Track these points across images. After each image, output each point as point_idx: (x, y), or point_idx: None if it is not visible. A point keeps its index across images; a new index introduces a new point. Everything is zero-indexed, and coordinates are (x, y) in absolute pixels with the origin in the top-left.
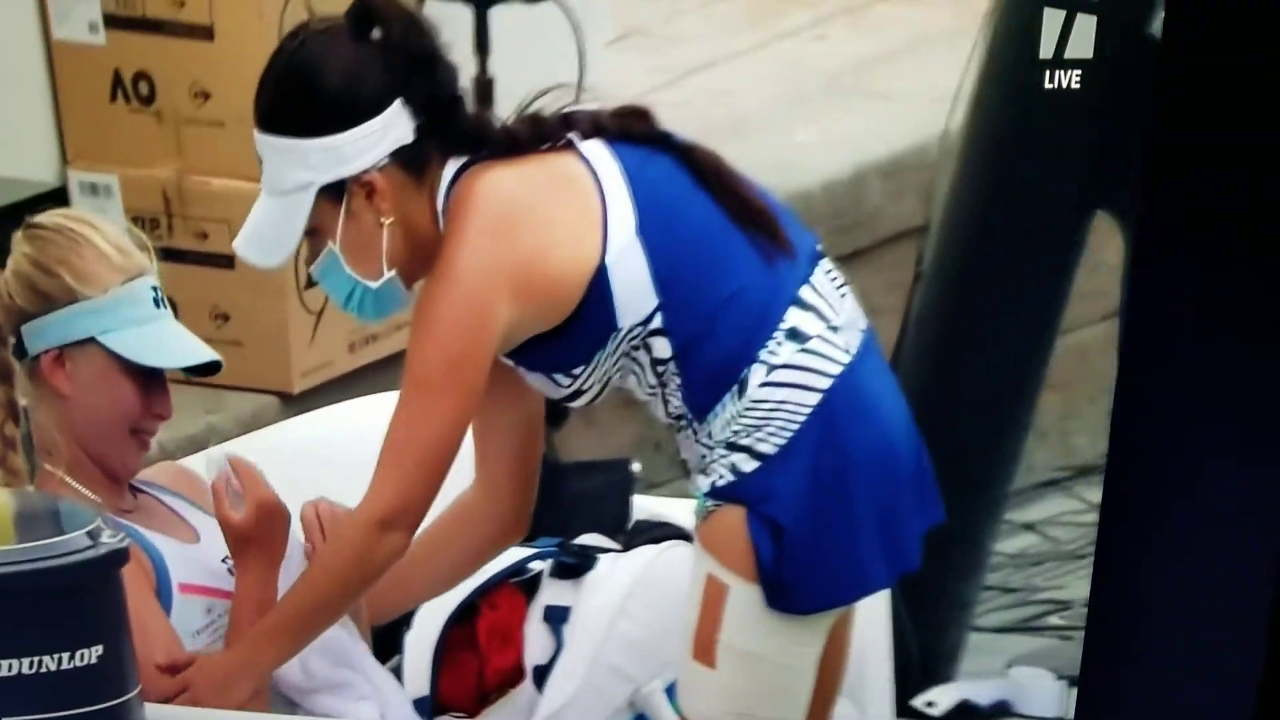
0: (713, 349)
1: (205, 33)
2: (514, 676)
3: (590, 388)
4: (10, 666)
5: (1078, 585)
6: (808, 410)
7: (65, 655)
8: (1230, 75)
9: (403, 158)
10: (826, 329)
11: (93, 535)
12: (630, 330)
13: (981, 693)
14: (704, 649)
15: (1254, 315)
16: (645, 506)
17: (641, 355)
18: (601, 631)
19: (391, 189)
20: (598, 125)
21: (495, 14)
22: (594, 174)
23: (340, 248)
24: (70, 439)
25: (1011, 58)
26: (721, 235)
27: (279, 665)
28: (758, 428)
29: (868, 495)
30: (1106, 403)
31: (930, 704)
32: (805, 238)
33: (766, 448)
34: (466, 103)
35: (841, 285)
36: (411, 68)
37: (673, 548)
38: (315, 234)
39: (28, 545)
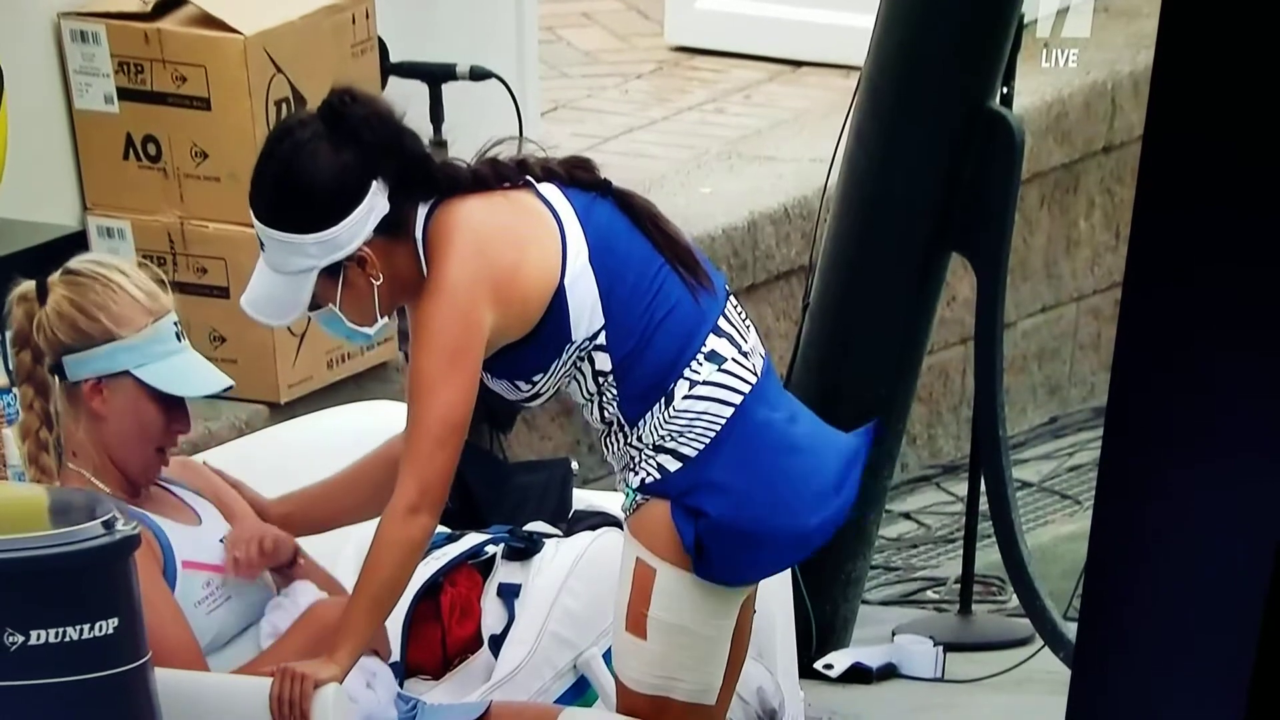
0: (646, 365)
1: (204, 103)
2: (473, 644)
3: (545, 392)
4: (38, 636)
5: (949, 565)
6: (724, 419)
7: (85, 626)
8: (1221, 87)
9: (384, 224)
10: (739, 353)
11: (109, 524)
12: (581, 343)
13: (871, 656)
14: (636, 623)
15: (1242, 314)
16: (583, 498)
17: (585, 366)
18: (547, 605)
19: (380, 254)
20: (548, 170)
21: (448, 89)
22: (551, 209)
23: (340, 308)
24: (100, 450)
25: (875, 126)
26: (655, 269)
27: (359, 654)
28: (681, 433)
29: (774, 489)
30: (965, 412)
31: (828, 666)
32: (718, 277)
33: (689, 450)
34: (434, 158)
35: (746, 318)
36: (381, 150)
37: (606, 533)
38: (314, 297)
39: (54, 532)
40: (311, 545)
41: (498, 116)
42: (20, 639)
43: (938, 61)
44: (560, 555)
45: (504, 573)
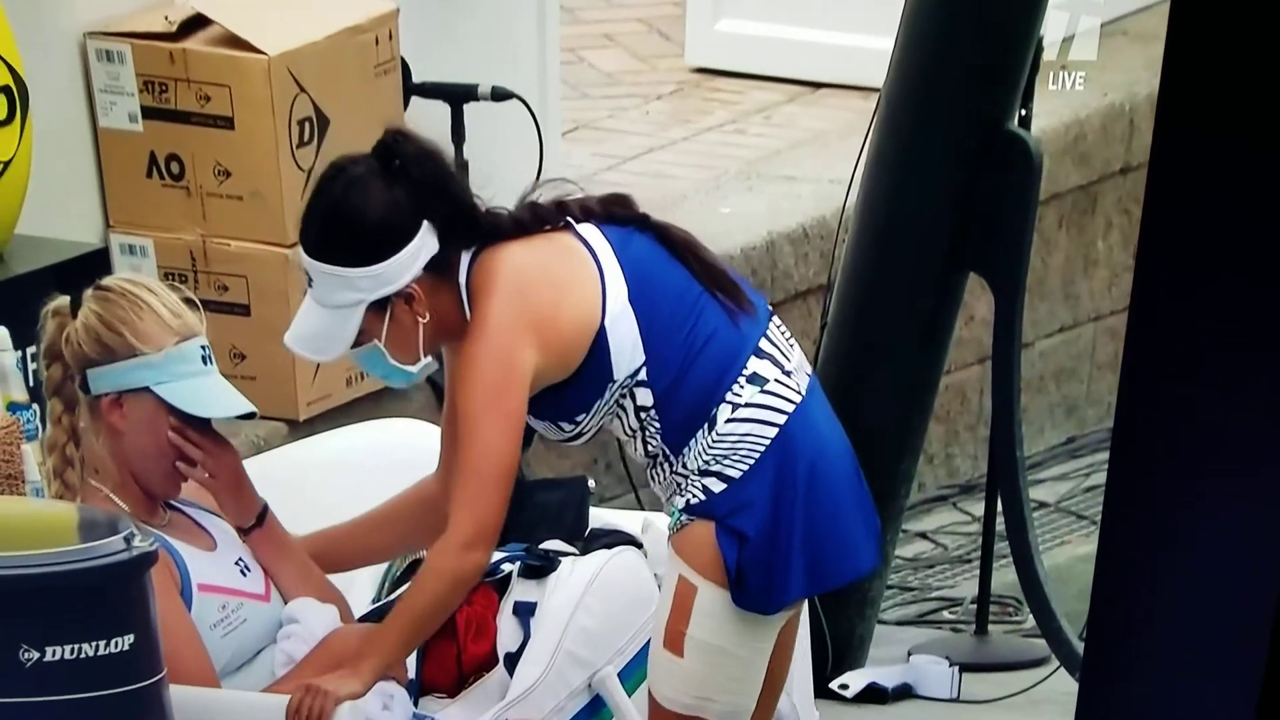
0: (686, 394)
1: (227, 122)
2: (488, 662)
3: (588, 431)
4: (54, 652)
5: (965, 585)
6: (768, 440)
7: (102, 643)
8: (1228, 93)
9: (431, 265)
10: (781, 374)
11: (127, 540)
12: (622, 381)
13: (887, 677)
14: (673, 640)
15: (1250, 330)
16: (599, 517)
17: (627, 402)
18: (562, 624)
19: (426, 293)
20: (587, 210)
21: (469, 109)
22: (590, 250)
23: (384, 345)
24: (121, 465)
25: (894, 146)
26: (693, 298)
27: (383, 673)
28: (726, 456)
29: (817, 509)
30: (982, 431)
31: (844, 686)
32: (759, 299)
33: (733, 472)
34: (479, 205)
35: (790, 337)
36: (432, 192)
37: (622, 552)
38: (358, 333)
39: (76, 548)
40: None
41: (519, 137)
42: (36, 655)
43: (956, 83)
44: (576, 574)
45: (520, 591)
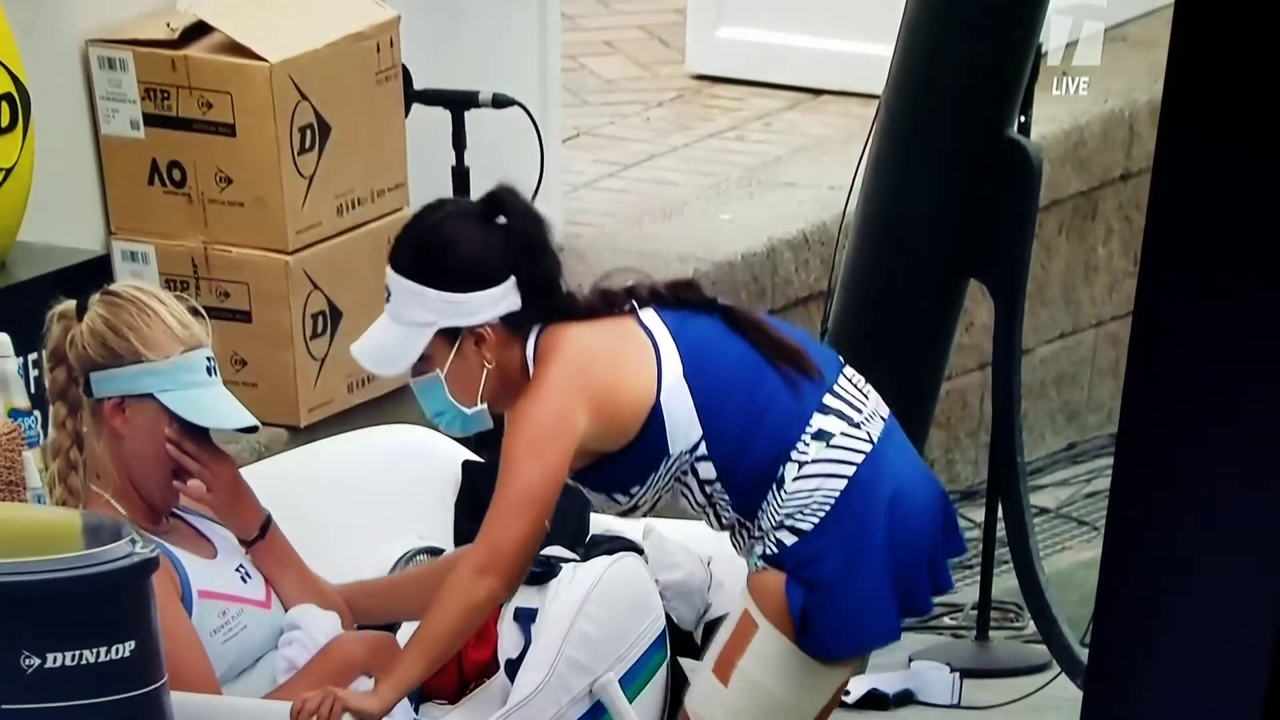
0: (749, 463)
1: (229, 129)
2: (489, 668)
3: (644, 504)
4: (55, 659)
5: (966, 590)
6: (837, 493)
7: (103, 649)
8: (1231, 98)
9: (508, 319)
10: (849, 426)
11: (129, 546)
12: (679, 456)
13: (888, 683)
14: (723, 667)
15: (1256, 329)
16: (600, 522)
17: (690, 479)
18: (563, 630)
19: (496, 342)
20: (655, 295)
21: (470, 116)
22: (648, 332)
23: (445, 378)
24: (121, 472)
25: (894, 153)
26: (753, 370)
27: (404, 695)
28: (797, 511)
29: (887, 559)
30: (983, 437)
31: (845, 692)
32: (827, 354)
33: (805, 525)
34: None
35: (863, 385)
36: (527, 253)
37: (623, 559)
38: (423, 359)
39: (74, 554)
40: (332, 571)
41: (520, 143)
42: (36, 662)
43: (956, 90)
44: (577, 580)
45: (520, 597)
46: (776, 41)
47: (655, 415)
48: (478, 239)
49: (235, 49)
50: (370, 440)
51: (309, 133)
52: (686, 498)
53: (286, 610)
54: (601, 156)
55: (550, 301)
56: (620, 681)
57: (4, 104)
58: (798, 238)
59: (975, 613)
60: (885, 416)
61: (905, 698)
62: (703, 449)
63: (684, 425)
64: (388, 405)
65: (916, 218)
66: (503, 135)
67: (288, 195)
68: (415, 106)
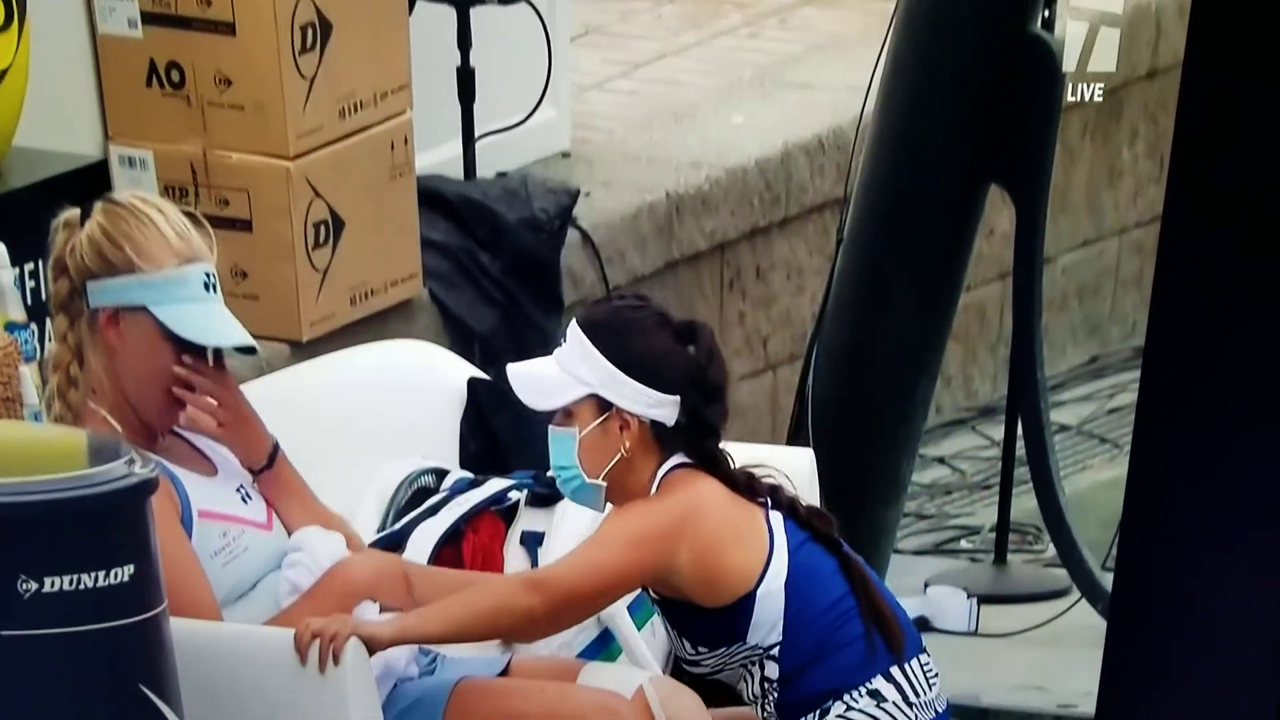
0: (809, 683)
1: (229, 28)
2: None
3: (704, 665)
4: (53, 583)
5: (984, 513)
6: None
7: (101, 573)
8: (1248, 80)
9: (657, 429)
10: (903, 701)
11: (128, 465)
12: (753, 646)
13: (905, 609)
14: None
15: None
16: None
17: (755, 670)
18: None
19: (639, 438)
20: (792, 508)
21: (475, 14)
22: (771, 532)
23: (580, 437)
24: (116, 387)
25: (912, 51)
26: (845, 614)
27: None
28: None
29: None
30: (1002, 351)
31: None
32: (914, 635)
33: None
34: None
35: (933, 677)
36: (702, 388)
37: None
38: (568, 414)
39: (69, 475)
40: (334, 493)
41: (526, 42)
42: (34, 586)
43: None
44: None
45: (527, 520)
46: None
47: (747, 601)
48: (666, 346)
49: None
50: (374, 355)
51: (310, 31)
52: (745, 684)
53: (290, 534)
54: (610, 56)
55: (702, 442)
56: (629, 609)
57: None
58: (813, 142)
59: (993, 536)
60: (940, 711)
61: (921, 625)
62: (776, 651)
63: (769, 624)
64: (392, 320)
65: (935, 120)
66: (509, 34)
67: (288, 98)
68: (419, 4)
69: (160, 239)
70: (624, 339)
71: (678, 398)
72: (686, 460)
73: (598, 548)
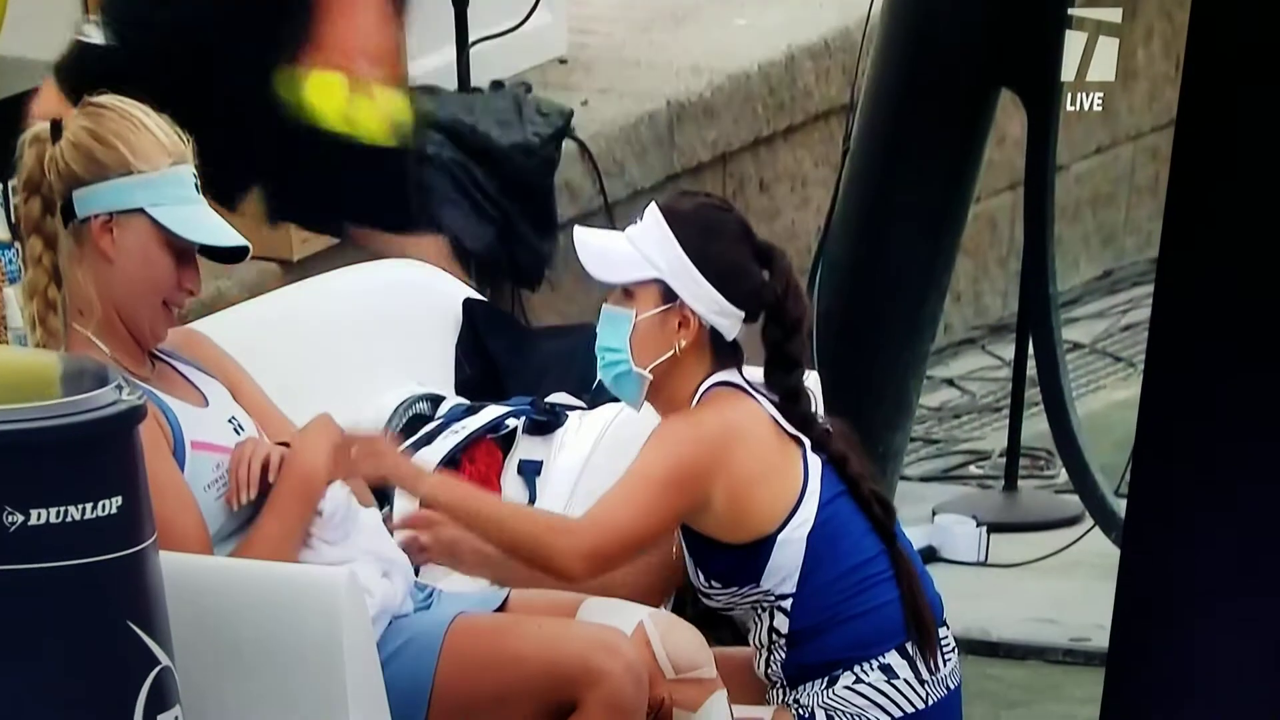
0: (820, 646)
1: None
2: None
3: (717, 601)
4: (39, 515)
5: (994, 437)
6: None
7: (88, 506)
8: (1251, 66)
9: (714, 339)
10: (914, 677)
11: (115, 392)
12: (764, 591)
13: (910, 539)
14: None
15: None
16: None
17: (765, 617)
18: (570, 485)
19: (695, 341)
20: (841, 458)
21: None
22: (807, 475)
23: (635, 321)
24: (106, 302)
25: None
26: (865, 583)
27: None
28: (834, 712)
29: None
30: (1014, 265)
31: None
32: (938, 604)
33: None
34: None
35: (950, 650)
36: (779, 318)
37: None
38: (628, 294)
39: (59, 401)
40: (326, 410)
41: None
42: (20, 519)
43: None
44: (584, 430)
45: (525, 448)
46: None
47: (766, 544)
48: (744, 260)
49: None
50: (367, 276)
51: None
52: (754, 629)
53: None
54: None
55: (786, 377)
56: None
57: None
58: (818, 45)
59: (1003, 460)
60: (952, 688)
61: (928, 555)
62: (787, 605)
63: (783, 572)
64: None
65: (943, 20)
66: None
67: None
68: None
69: (152, 138)
70: (705, 237)
71: (742, 313)
72: (731, 379)
73: (639, 488)
